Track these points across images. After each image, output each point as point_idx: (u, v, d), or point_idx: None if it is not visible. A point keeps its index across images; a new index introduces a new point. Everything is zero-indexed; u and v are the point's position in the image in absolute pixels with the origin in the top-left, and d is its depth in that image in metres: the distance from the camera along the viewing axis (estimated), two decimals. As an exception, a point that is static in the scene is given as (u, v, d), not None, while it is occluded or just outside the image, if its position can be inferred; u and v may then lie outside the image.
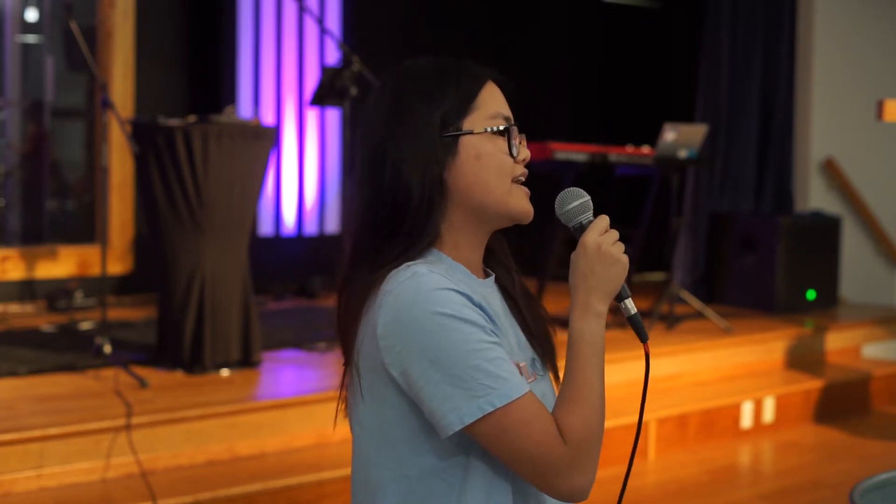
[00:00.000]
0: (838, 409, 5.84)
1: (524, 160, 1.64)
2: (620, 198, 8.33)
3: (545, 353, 1.70)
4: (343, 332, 1.63)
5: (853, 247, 7.50)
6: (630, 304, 1.63)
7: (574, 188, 1.65)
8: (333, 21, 7.26)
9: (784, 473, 5.03)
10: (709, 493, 4.58)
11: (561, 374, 1.67)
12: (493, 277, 1.69)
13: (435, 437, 1.52)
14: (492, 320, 1.55)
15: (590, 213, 1.64)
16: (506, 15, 8.33)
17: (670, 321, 5.98)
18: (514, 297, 1.70)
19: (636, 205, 6.86)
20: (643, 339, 1.65)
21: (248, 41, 6.93)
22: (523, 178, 1.64)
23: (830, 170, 7.51)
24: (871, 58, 7.66)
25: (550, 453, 1.49)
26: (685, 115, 7.33)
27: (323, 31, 6.01)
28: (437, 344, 1.47)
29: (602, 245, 1.59)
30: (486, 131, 1.60)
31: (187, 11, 6.87)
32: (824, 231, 7.10)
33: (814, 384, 5.80)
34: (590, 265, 1.58)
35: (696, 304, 6.16)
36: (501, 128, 1.62)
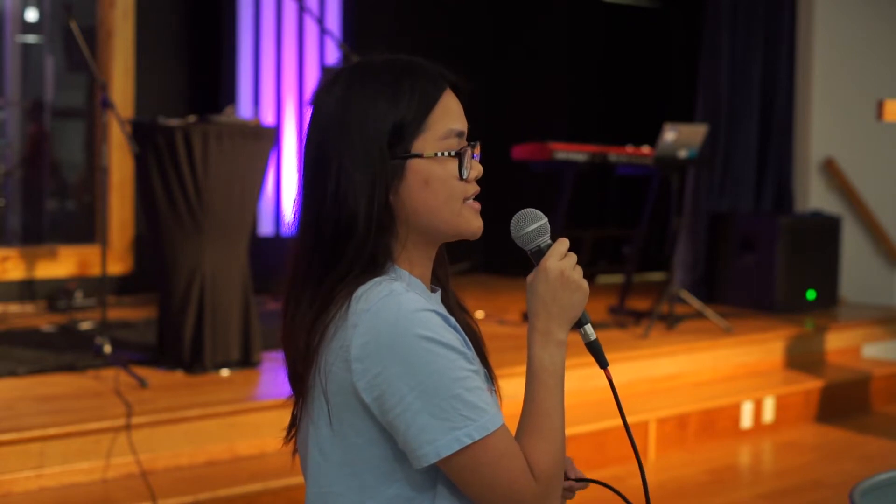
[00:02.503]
0: (838, 409, 5.84)
1: (476, 177, 1.56)
2: (620, 198, 8.34)
3: (485, 364, 1.64)
4: (292, 356, 1.54)
5: (853, 247, 7.50)
6: (590, 330, 1.57)
7: (530, 210, 1.58)
8: (333, 21, 7.26)
9: (784, 473, 5.03)
10: (709, 493, 4.58)
11: (496, 383, 1.62)
12: (439, 293, 1.62)
13: (404, 465, 1.46)
14: (466, 343, 1.50)
15: (547, 237, 1.57)
16: (506, 15, 8.33)
17: (670, 321, 5.98)
18: (450, 305, 1.63)
19: (636, 205, 6.86)
20: (603, 365, 1.58)
21: (248, 41, 6.93)
22: (475, 195, 1.57)
23: (830, 170, 7.51)
24: (871, 58, 7.66)
25: (522, 489, 1.44)
26: (685, 115, 7.33)
27: (323, 31, 6.02)
28: (420, 370, 1.40)
29: (564, 271, 1.52)
30: (436, 156, 1.51)
31: (187, 11, 6.87)
32: (824, 231, 7.10)
33: (814, 384, 5.80)
34: (551, 292, 1.52)
35: (696, 304, 6.16)
36: (453, 153, 1.53)
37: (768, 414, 5.53)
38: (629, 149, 6.26)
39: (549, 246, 1.56)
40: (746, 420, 5.43)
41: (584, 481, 1.69)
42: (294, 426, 1.61)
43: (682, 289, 6.46)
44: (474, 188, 1.56)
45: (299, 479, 4.01)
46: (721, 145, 7.21)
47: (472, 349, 1.55)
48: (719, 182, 7.28)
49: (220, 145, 4.56)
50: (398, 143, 1.50)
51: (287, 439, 1.63)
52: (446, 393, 1.41)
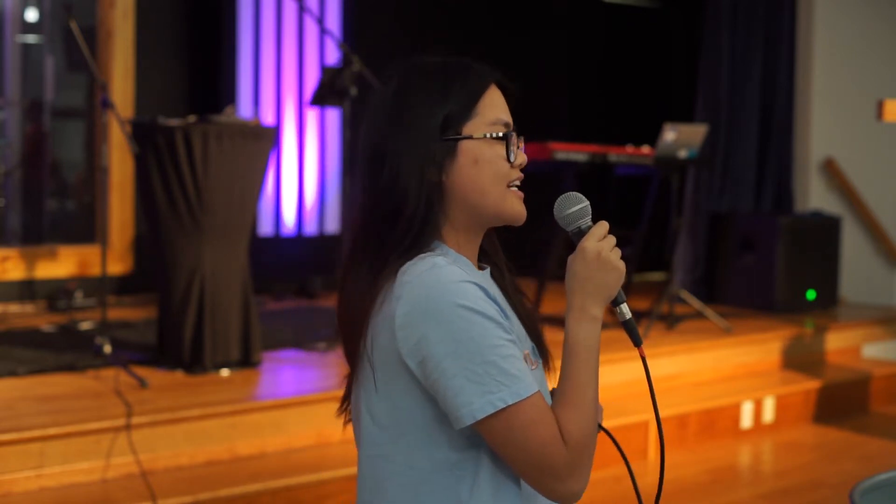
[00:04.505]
0: (838, 409, 5.84)
1: (521, 165, 1.67)
2: (620, 198, 8.34)
3: (538, 344, 1.73)
4: (347, 328, 1.63)
5: (853, 247, 7.50)
6: (625, 309, 1.65)
7: (573, 192, 1.67)
8: (333, 21, 7.26)
9: (784, 473, 5.03)
10: (709, 493, 4.58)
11: (552, 364, 1.71)
12: (488, 271, 1.72)
13: (449, 428, 1.54)
14: (504, 314, 1.58)
15: (588, 219, 1.65)
16: (506, 14, 8.33)
17: (670, 321, 5.98)
18: (507, 292, 1.73)
19: (636, 205, 6.86)
20: (637, 343, 1.66)
21: (248, 41, 6.93)
22: (518, 182, 1.67)
23: (830, 170, 7.51)
24: (871, 58, 7.66)
25: (553, 455, 1.51)
26: (685, 115, 7.33)
27: (323, 31, 6.01)
28: (456, 336, 1.49)
29: (601, 252, 1.61)
30: (485, 137, 1.63)
31: (187, 11, 6.87)
32: (824, 231, 7.10)
33: (814, 384, 5.80)
34: (587, 271, 1.60)
35: (696, 304, 6.16)
36: (501, 134, 1.64)
37: (768, 414, 5.53)
38: (629, 149, 6.26)
39: (588, 227, 1.64)
40: (746, 420, 5.43)
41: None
42: (347, 399, 1.70)
43: (682, 289, 6.46)
44: (518, 174, 1.67)
45: (299, 479, 4.03)
46: (721, 145, 7.21)
47: (512, 323, 1.63)
48: (719, 182, 7.29)
49: (220, 145, 4.56)
50: (450, 127, 1.62)
51: (340, 411, 1.72)
52: (480, 359, 1.49)
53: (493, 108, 1.65)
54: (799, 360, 6.17)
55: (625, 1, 8.83)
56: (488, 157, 1.62)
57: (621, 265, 1.62)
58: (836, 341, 6.48)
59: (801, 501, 4.57)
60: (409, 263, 1.56)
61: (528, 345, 1.69)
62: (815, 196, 7.49)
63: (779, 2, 7.38)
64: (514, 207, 1.66)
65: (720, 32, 7.19)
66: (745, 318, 6.48)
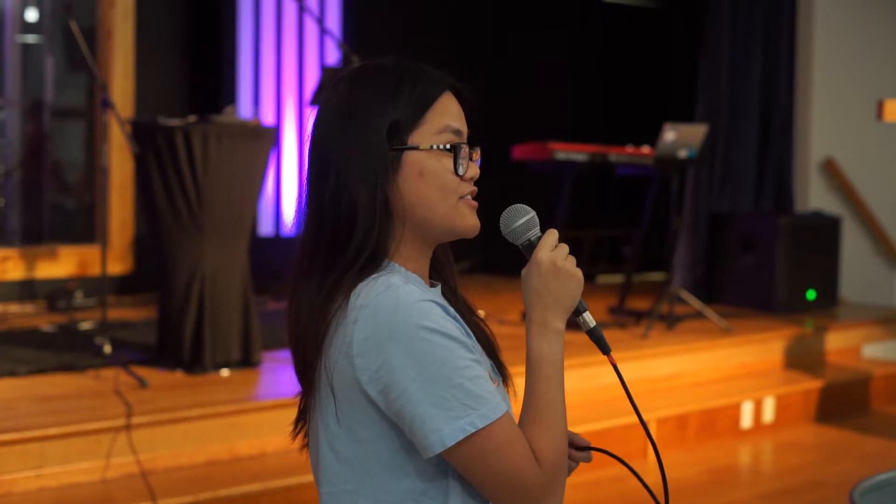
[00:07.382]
0: (838, 409, 5.84)
1: (472, 178, 1.57)
2: (620, 198, 8.34)
3: (496, 362, 1.65)
4: (297, 346, 1.54)
5: (853, 247, 7.50)
6: (589, 318, 1.59)
7: (518, 205, 1.60)
8: (333, 21, 7.26)
9: (784, 473, 5.03)
10: (709, 493, 4.58)
11: (511, 382, 1.64)
12: (439, 288, 1.63)
13: (415, 457, 1.47)
14: (466, 331, 1.52)
15: (537, 230, 1.59)
16: (506, 14, 8.33)
17: (670, 321, 5.97)
18: (459, 307, 1.64)
19: (636, 205, 6.86)
20: (605, 351, 1.60)
21: (248, 41, 6.93)
22: (471, 196, 1.58)
23: (830, 170, 7.51)
24: (871, 58, 7.66)
25: (528, 477, 1.45)
26: (685, 115, 7.33)
27: (323, 31, 6.02)
28: (420, 360, 1.42)
29: (556, 261, 1.54)
30: (431, 148, 1.53)
31: (187, 11, 6.87)
32: (824, 231, 7.10)
33: (814, 384, 5.81)
34: (544, 283, 1.53)
35: (696, 304, 6.16)
36: (447, 146, 1.54)
37: (768, 414, 5.53)
38: (629, 149, 6.26)
39: (539, 238, 1.58)
40: (746, 420, 5.43)
41: (589, 450, 1.69)
42: (301, 421, 1.62)
43: (682, 289, 6.46)
44: (470, 187, 1.58)
45: (299, 479, 4.03)
46: (721, 145, 7.21)
47: (473, 340, 1.55)
48: (719, 182, 7.28)
49: (220, 145, 4.56)
50: (396, 136, 1.52)
51: (294, 434, 1.64)
52: (447, 382, 1.42)
53: (444, 115, 1.55)
54: (799, 360, 6.17)
55: (625, 1, 8.83)
56: (434, 170, 1.53)
57: (578, 273, 1.55)
58: (836, 341, 6.48)
59: (801, 501, 4.57)
60: (361, 285, 1.47)
61: (486, 363, 1.58)
62: (815, 196, 7.49)
63: (779, 2, 7.38)
64: (466, 221, 1.56)
65: (720, 32, 7.19)
66: (745, 318, 6.48)
